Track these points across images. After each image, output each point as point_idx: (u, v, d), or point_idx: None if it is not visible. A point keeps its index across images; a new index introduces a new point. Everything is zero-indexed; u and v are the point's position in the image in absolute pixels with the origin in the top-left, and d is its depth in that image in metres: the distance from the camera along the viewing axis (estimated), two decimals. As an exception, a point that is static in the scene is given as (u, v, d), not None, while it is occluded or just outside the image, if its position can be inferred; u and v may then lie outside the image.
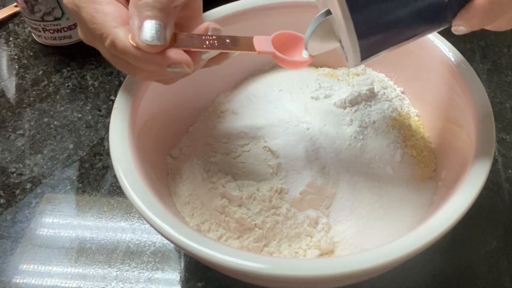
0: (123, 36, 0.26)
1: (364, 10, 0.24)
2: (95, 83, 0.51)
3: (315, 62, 0.44)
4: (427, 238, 0.26)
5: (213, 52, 0.29)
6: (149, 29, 0.26)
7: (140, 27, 0.26)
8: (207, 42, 0.28)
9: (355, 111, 0.36)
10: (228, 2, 0.39)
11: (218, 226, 0.33)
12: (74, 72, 0.52)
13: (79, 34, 0.30)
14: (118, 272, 0.37)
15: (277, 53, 0.30)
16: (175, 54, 0.27)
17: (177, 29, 0.29)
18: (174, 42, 0.27)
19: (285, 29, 0.42)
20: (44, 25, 0.52)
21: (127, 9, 0.28)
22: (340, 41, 0.28)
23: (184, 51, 0.27)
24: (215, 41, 0.28)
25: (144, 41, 0.26)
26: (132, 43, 0.26)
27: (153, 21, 0.26)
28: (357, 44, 0.25)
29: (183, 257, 0.38)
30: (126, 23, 0.27)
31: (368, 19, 0.25)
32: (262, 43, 0.30)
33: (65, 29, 0.53)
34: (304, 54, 0.30)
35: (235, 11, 0.39)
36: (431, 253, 0.37)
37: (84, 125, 0.47)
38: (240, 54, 0.42)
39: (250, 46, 0.29)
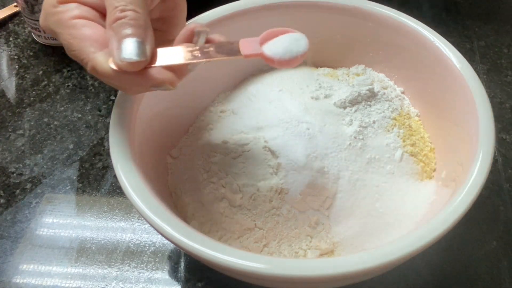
0: (102, 61, 0.26)
1: None
2: (95, 83, 0.51)
3: (315, 62, 0.44)
4: (427, 238, 0.26)
5: (200, 62, 0.28)
6: (127, 47, 0.25)
7: (119, 47, 0.25)
8: (190, 55, 0.27)
9: (355, 111, 0.36)
10: (228, 2, 0.39)
11: (218, 226, 0.33)
12: (74, 72, 0.52)
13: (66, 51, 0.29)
14: (118, 272, 0.37)
15: (265, 53, 0.28)
16: (157, 73, 0.26)
17: (162, 22, 0.28)
18: (155, 58, 0.26)
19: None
20: (44, 25, 0.52)
21: (105, 26, 0.27)
22: None
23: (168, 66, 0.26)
24: (198, 52, 0.27)
25: (124, 60, 0.25)
26: (112, 66, 0.25)
27: (131, 39, 0.25)
28: None
29: (183, 257, 0.38)
30: (105, 45, 0.26)
31: None
32: (249, 45, 0.28)
33: (65, 29, 0.53)
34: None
35: (235, 11, 0.39)
36: (431, 253, 0.37)
37: (84, 125, 0.47)
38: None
39: (235, 51, 0.27)
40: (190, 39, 0.28)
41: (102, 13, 0.28)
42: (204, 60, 0.27)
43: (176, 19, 0.32)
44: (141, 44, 0.25)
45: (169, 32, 0.32)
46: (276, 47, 0.28)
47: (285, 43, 0.28)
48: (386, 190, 0.34)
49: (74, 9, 0.27)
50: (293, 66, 0.29)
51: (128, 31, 0.25)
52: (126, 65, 0.25)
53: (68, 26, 0.27)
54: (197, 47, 0.27)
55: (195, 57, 0.27)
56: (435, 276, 0.36)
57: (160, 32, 0.31)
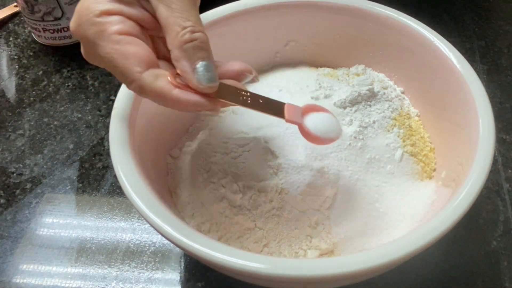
0: (150, 81, 0.25)
1: None
2: (95, 83, 0.51)
3: (315, 62, 0.44)
4: (427, 238, 0.26)
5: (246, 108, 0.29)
6: (205, 71, 0.26)
7: (194, 69, 0.26)
8: (241, 98, 0.28)
9: (355, 111, 0.36)
10: (228, 2, 0.39)
11: (218, 226, 0.33)
12: (74, 72, 0.52)
13: (83, 53, 0.28)
14: (118, 272, 0.37)
15: (305, 126, 0.29)
16: (215, 103, 0.26)
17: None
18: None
19: (284, 29, 0.42)
20: (44, 25, 0.52)
21: (148, 45, 0.27)
22: None
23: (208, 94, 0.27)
24: (249, 99, 0.28)
25: (204, 84, 0.25)
26: (174, 83, 0.26)
27: (205, 63, 0.26)
28: None
29: (183, 257, 0.38)
30: (151, 65, 0.26)
31: None
32: (292, 111, 0.29)
33: (65, 29, 0.53)
34: None
35: (235, 11, 0.39)
36: (431, 253, 0.37)
37: (84, 125, 0.47)
38: (240, 52, 0.42)
39: (279, 112, 0.29)
40: (237, 77, 0.29)
41: (144, 27, 0.28)
42: (251, 108, 0.28)
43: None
44: (214, 68, 0.26)
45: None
46: (315, 123, 0.30)
47: (323, 122, 0.30)
48: (386, 190, 0.34)
49: (119, 23, 0.26)
50: (324, 145, 0.31)
51: (202, 54, 0.26)
52: (205, 88, 0.26)
53: (112, 40, 0.26)
54: (249, 94, 0.28)
55: (244, 102, 0.28)
56: (435, 276, 0.36)
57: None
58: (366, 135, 0.35)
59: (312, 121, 0.30)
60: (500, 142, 0.45)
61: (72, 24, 0.27)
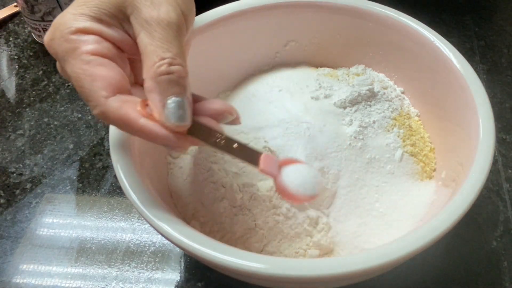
0: (115, 108, 0.24)
1: None
2: (95, 83, 0.51)
3: (315, 62, 0.44)
4: (427, 238, 0.26)
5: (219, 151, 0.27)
6: (176, 108, 0.24)
7: (165, 105, 0.24)
8: (213, 139, 0.26)
9: (355, 111, 0.36)
10: (228, 2, 0.39)
11: (218, 226, 0.33)
12: (74, 72, 0.52)
13: (57, 66, 0.26)
14: (118, 272, 0.37)
15: (279, 180, 0.27)
16: (182, 140, 0.25)
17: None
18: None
19: (284, 29, 0.42)
20: (44, 25, 0.52)
21: (125, 69, 0.26)
22: None
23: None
24: (222, 141, 0.26)
25: (172, 122, 0.24)
26: (143, 112, 0.24)
27: (178, 99, 0.24)
28: None
29: (183, 257, 0.38)
30: (120, 90, 0.24)
31: None
32: (268, 162, 0.27)
33: (65, 29, 0.53)
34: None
35: (235, 11, 0.39)
36: (431, 253, 0.37)
37: (84, 125, 0.47)
38: (240, 52, 0.42)
39: (254, 160, 0.27)
40: (215, 116, 0.27)
41: (122, 50, 0.26)
42: (223, 152, 0.26)
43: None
44: (187, 106, 0.24)
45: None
46: (291, 178, 0.27)
47: (301, 177, 0.28)
48: (386, 190, 0.34)
49: (93, 43, 0.25)
50: (297, 203, 0.29)
51: (176, 89, 0.24)
52: (174, 127, 0.24)
53: (83, 60, 0.24)
54: (223, 136, 0.26)
55: (217, 144, 0.26)
56: (435, 276, 0.36)
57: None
58: (366, 135, 0.35)
59: (290, 175, 0.27)
60: (500, 142, 0.45)
61: (46, 37, 0.26)
